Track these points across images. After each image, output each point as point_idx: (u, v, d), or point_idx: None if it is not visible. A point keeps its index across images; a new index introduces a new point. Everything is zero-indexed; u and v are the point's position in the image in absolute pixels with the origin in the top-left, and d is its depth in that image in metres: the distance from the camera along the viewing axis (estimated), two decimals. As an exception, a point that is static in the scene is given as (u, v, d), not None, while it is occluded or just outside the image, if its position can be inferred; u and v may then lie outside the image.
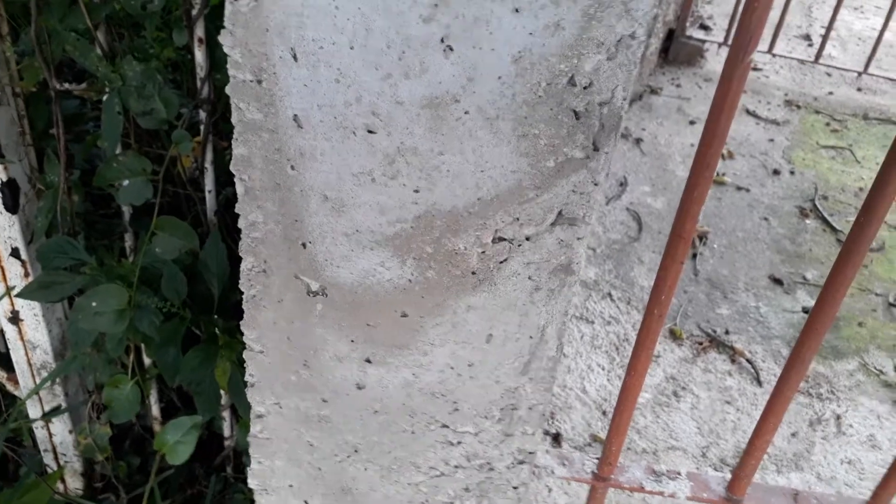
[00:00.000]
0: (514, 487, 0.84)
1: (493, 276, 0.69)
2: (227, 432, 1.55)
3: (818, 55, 2.97)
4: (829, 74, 3.12)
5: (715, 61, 3.11)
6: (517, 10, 0.54)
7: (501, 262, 0.68)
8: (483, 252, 0.67)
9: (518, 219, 0.65)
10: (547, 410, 0.77)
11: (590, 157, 0.61)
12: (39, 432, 1.55)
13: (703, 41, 3.09)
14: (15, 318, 1.36)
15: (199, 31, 1.13)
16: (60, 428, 1.53)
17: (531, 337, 0.72)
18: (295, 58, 0.59)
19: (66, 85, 1.08)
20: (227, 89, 0.62)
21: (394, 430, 0.81)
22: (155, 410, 1.55)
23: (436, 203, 0.65)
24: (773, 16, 3.47)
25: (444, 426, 0.80)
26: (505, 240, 0.66)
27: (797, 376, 0.78)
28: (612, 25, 0.55)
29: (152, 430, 1.63)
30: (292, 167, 0.65)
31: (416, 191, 0.64)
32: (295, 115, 0.62)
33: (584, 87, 0.57)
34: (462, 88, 0.58)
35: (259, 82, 0.61)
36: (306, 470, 0.88)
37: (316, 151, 0.63)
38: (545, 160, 0.61)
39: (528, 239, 0.66)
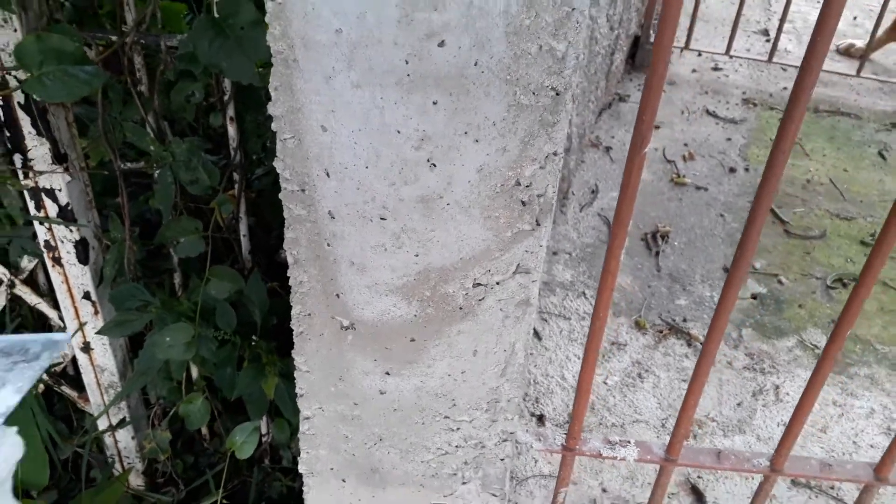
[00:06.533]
0: (501, 459, 1.12)
1: (475, 310, 0.96)
2: (263, 429, 1.83)
3: (771, 54, 3.22)
4: (784, 70, 3.38)
5: (678, 64, 3.37)
6: (477, 141, 0.81)
7: (480, 300, 0.95)
8: (466, 293, 0.94)
9: (490, 271, 0.92)
10: (521, 401, 1.05)
11: (534, 229, 0.88)
12: (106, 439, 1.83)
13: (667, 45, 3.33)
14: (86, 348, 1.64)
15: (231, 111, 1.40)
16: (124, 435, 1.81)
17: (505, 350, 1.00)
18: (328, 175, 0.86)
19: (129, 165, 1.35)
20: (280, 196, 0.89)
21: (409, 423, 1.09)
22: (203, 416, 1.83)
23: (430, 263, 0.92)
24: (731, 14, 3.71)
25: (446, 417, 1.07)
26: (481, 285, 0.93)
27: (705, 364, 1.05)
28: (541, 147, 0.82)
29: (200, 431, 1.91)
30: (328, 244, 0.91)
31: (416, 255, 0.91)
32: (329, 211, 0.89)
33: (527, 186, 0.84)
34: (444, 189, 0.85)
35: (303, 191, 0.88)
36: (343, 456, 1.15)
37: (344, 233, 0.90)
38: (504, 232, 0.88)
39: (497, 283, 0.93)
